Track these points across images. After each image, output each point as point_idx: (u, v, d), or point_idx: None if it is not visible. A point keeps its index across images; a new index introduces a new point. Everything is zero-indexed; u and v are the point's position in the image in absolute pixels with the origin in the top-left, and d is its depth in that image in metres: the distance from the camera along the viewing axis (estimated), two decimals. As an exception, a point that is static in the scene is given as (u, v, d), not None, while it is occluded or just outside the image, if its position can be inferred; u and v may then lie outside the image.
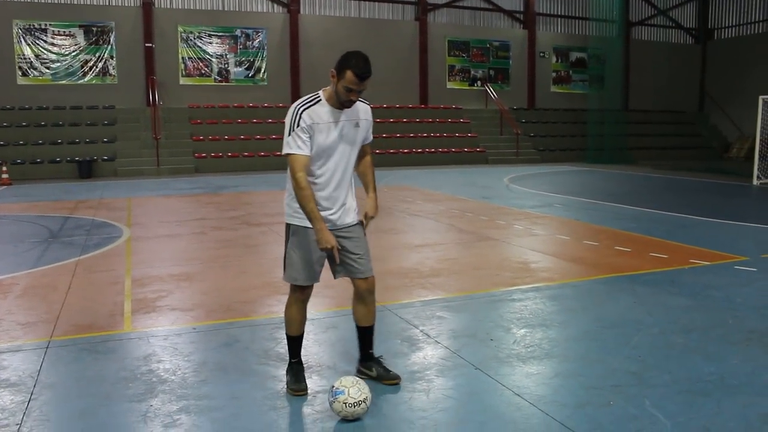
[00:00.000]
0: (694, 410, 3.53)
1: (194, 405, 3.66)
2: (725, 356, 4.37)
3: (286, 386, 3.89)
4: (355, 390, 3.35)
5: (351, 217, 3.83)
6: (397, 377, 3.96)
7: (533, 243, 8.63)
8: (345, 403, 3.35)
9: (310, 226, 3.63)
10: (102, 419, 3.50)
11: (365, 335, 4.04)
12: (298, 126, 3.54)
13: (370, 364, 4.02)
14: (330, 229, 3.67)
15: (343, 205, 3.78)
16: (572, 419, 3.44)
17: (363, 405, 3.36)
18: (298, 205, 3.63)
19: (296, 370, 3.92)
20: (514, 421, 3.46)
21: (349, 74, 3.48)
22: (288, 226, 3.79)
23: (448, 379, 4.03)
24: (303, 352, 4.49)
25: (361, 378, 3.49)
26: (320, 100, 3.62)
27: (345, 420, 3.41)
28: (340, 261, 3.76)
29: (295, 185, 3.56)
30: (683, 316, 5.26)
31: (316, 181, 3.67)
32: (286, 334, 3.98)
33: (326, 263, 3.83)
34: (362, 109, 3.77)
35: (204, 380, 4.02)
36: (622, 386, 3.86)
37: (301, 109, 3.57)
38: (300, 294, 3.84)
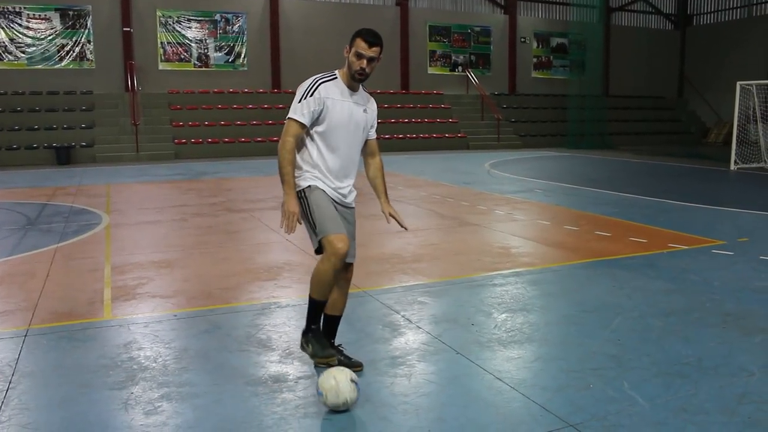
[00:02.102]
0: (672, 392, 3.58)
1: (175, 392, 3.65)
2: (702, 339, 4.43)
3: (312, 357, 3.83)
4: (332, 394, 3.30)
5: (352, 199, 3.91)
6: (359, 364, 3.93)
7: (514, 228, 8.67)
8: (325, 404, 3.36)
9: (323, 188, 3.69)
10: (82, 407, 3.47)
11: (332, 325, 3.99)
12: (311, 95, 3.63)
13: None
14: (339, 202, 3.78)
15: (350, 184, 3.86)
16: (552, 402, 3.47)
17: (343, 406, 3.34)
18: (302, 171, 3.69)
19: (319, 336, 3.81)
20: (495, 404, 3.49)
21: (358, 40, 3.64)
22: (300, 193, 3.68)
23: (430, 364, 4.04)
24: (286, 338, 4.51)
25: (338, 375, 3.36)
26: (336, 78, 3.73)
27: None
28: None
29: (281, 146, 3.62)
30: (662, 300, 5.33)
31: (330, 157, 3.72)
32: (312, 298, 3.73)
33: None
34: (369, 100, 3.91)
35: (185, 367, 4.01)
36: (602, 369, 3.91)
37: (321, 81, 3.68)
38: (338, 246, 3.55)
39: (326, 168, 3.73)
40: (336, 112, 3.68)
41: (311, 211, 3.67)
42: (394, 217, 3.93)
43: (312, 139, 3.72)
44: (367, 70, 3.66)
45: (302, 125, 3.63)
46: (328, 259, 3.60)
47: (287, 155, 3.60)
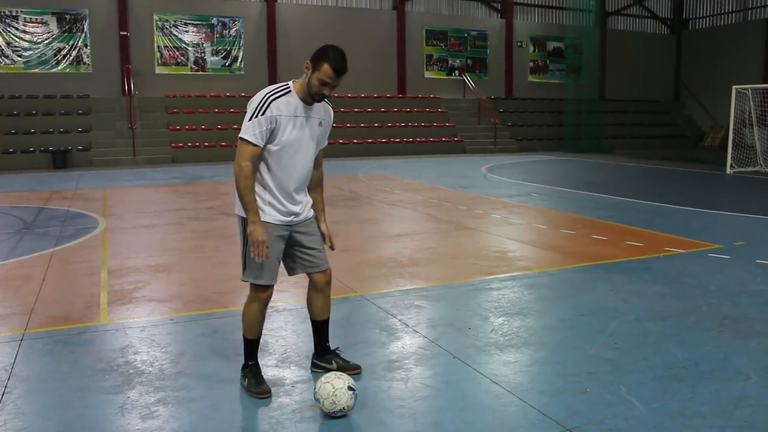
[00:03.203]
0: (668, 395, 3.59)
1: (172, 396, 3.64)
2: (699, 342, 4.43)
3: (246, 391, 3.70)
4: (329, 402, 3.29)
5: (308, 211, 3.75)
6: (357, 367, 3.94)
7: (511, 232, 8.68)
8: (322, 410, 3.35)
9: (269, 221, 3.54)
10: (78, 412, 3.46)
11: (323, 329, 3.97)
12: (263, 114, 3.40)
13: (329, 357, 3.97)
14: (293, 223, 3.63)
15: (304, 199, 3.72)
16: (549, 406, 3.47)
17: (340, 413, 3.33)
18: (256, 200, 3.51)
19: (255, 372, 3.73)
20: (492, 409, 3.49)
21: (326, 67, 3.39)
22: (243, 220, 3.56)
23: (427, 368, 4.04)
24: (282, 342, 4.51)
25: (336, 383, 3.34)
26: (290, 91, 3.51)
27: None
28: (296, 258, 3.73)
29: (238, 172, 3.41)
30: (658, 304, 5.33)
31: (282, 175, 3.55)
32: (245, 337, 3.75)
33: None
34: (326, 110, 3.69)
35: (182, 371, 4.00)
36: (599, 373, 3.91)
37: (272, 97, 3.44)
38: (263, 294, 3.65)
39: (278, 187, 3.55)
40: (288, 130, 3.47)
41: (247, 250, 3.56)
42: (328, 237, 3.84)
43: (263, 158, 3.51)
44: (328, 96, 3.49)
45: (256, 147, 3.41)
46: (252, 300, 3.70)
47: (246, 182, 3.41)
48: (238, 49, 24.86)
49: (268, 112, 3.42)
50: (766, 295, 5.60)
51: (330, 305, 3.96)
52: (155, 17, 23.67)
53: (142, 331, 4.76)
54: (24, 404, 3.56)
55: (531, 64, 30.70)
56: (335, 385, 3.32)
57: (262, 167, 3.55)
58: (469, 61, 29.11)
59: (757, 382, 3.76)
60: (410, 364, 4.10)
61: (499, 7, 29.72)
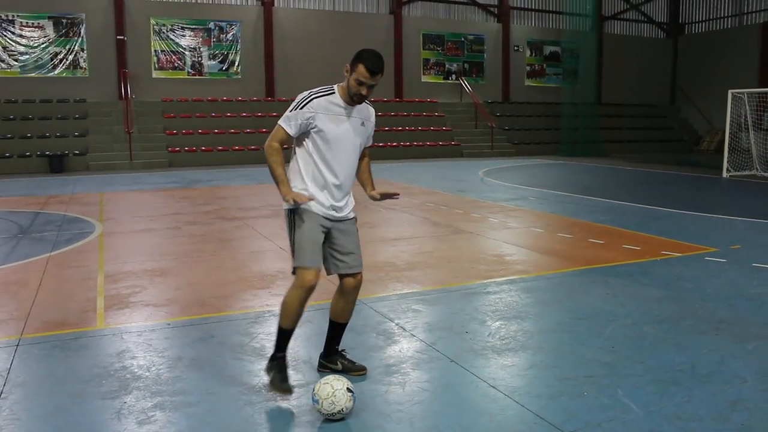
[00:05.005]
0: (665, 399, 3.59)
1: (169, 401, 3.64)
2: (696, 346, 4.44)
3: (271, 386, 3.71)
4: (328, 403, 3.30)
5: (349, 211, 3.87)
6: (363, 368, 3.98)
7: (508, 236, 8.68)
8: (320, 412, 3.36)
9: (312, 209, 3.68)
10: (75, 417, 3.46)
11: (339, 331, 4.02)
12: (301, 108, 3.63)
13: (335, 357, 4.01)
14: (334, 218, 3.75)
15: (347, 197, 3.85)
16: (546, 410, 3.47)
17: (339, 414, 3.34)
18: (297, 188, 3.69)
19: (282, 367, 3.73)
20: (490, 412, 3.49)
21: (360, 68, 3.58)
22: (289, 212, 3.72)
23: (424, 372, 4.04)
24: (279, 346, 4.49)
25: (335, 384, 3.36)
26: (334, 92, 3.71)
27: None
28: (328, 257, 3.79)
29: (268, 149, 3.64)
30: (655, 307, 5.34)
31: (327, 170, 3.70)
32: (281, 326, 3.74)
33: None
34: (368, 111, 3.87)
35: (179, 376, 3.99)
36: (596, 376, 3.91)
37: (314, 96, 3.66)
38: (307, 278, 3.62)
39: (323, 185, 3.70)
40: (330, 127, 3.66)
41: (294, 236, 3.69)
42: (383, 195, 3.98)
43: (310, 155, 3.70)
44: (366, 95, 3.66)
45: (288, 134, 3.65)
46: (295, 288, 3.67)
47: (275, 158, 3.63)
48: (235, 53, 24.87)
49: (306, 108, 3.63)
50: (762, 298, 5.61)
51: (352, 311, 3.99)
52: (152, 21, 23.68)
53: (138, 335, 4.75)
54: (20, 410, 3.55)
55: (528, 68, 30.76)
56: (335, 386, 3.34)
57: (309, 162, 3.72)
58: (466, 65, 29.16)
59: (754, 386, 3.76)
60: (407, 368, 4.09)
61: (496, 12, 29.79)
